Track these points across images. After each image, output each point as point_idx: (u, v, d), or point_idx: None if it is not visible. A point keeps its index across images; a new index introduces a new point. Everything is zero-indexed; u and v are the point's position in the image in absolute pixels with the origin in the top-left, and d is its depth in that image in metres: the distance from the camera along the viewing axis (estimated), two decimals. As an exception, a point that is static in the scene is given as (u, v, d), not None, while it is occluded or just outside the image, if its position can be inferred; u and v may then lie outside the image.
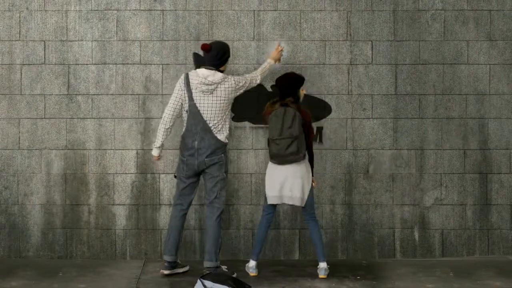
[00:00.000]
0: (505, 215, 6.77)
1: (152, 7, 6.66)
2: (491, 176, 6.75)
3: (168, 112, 6.03)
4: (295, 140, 5.94)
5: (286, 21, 6.68)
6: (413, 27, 6.70)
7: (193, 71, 6.06)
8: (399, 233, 6.74)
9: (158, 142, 6.12)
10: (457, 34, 6.72)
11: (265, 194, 6.15)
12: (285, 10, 6.68)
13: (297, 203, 6.05)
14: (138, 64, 6.66)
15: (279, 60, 6.43)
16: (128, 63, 6.66)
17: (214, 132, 5.96)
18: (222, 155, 6.01)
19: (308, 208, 6.10)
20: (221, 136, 5.99)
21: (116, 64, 6.66)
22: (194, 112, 5.96)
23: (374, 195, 6.72)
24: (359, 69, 6.70)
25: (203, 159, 5.96)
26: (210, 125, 5.95)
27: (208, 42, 6.18)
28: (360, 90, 6.71)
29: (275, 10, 6.68)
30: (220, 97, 5.96)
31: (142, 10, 6.66)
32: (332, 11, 6.68)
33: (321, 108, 6.63)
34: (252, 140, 6.68)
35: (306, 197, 6.05)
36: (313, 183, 6.15)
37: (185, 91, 5.97)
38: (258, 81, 6.26)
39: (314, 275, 6.09)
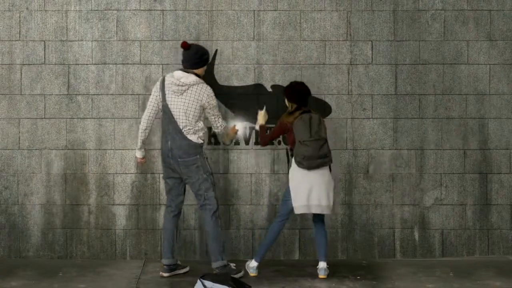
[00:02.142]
0: (505, 215, 6.77)
1: (152, 7, 6.66)
2: (491, 176, 6.75)
3: (145, 114, 6.07)
4: (326, 142, 5.95)
5: (286, 21, 6.68)
6: (413, 27, 6.71)
7: (170, 73, 6.06)
8: (399, 233, 6.74)
9: (137, 143, 6.16)
10: (457, 34, 6.72)
11: (284, 201, 6.08)
12: (285, 10, 6.68)
13: (325, 211, 6.00)
14: (138, 64, 6.66)
15: (231, 139, 6.45)
16: (128, 63, 6.66)
17: (185, 133, 5.94)
18: (197, 156, 5.96)
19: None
20: (193, 137, 5.95)
21: (116, 64, 6.66)
22: (166, 112, 5.97)
23: (374, 195, 6.72)
24: (359, 69, 6.70)
25: (176, 160, 5.96)
26: (181, 126, 5.94)
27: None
28: (360, 90, 6.71)
29: (275, 10, 6.69)
30: (190, 100, 5.92)
31: (142, 10, 6.66)
32: (332, 11, 6.69)
33: (321, 108, 6.63)
34: (252, 140, 6.68)
35: (332, 204, 6.01)
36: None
37: (160, 92, 5.99)
38: (218, 129, 6.16)
39: (314, 275, 6.08)
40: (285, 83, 6.63)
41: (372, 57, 6.70)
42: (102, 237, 6.67)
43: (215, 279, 5.47)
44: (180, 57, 6.61)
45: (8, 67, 6.65)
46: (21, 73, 6.64)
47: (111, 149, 6.66)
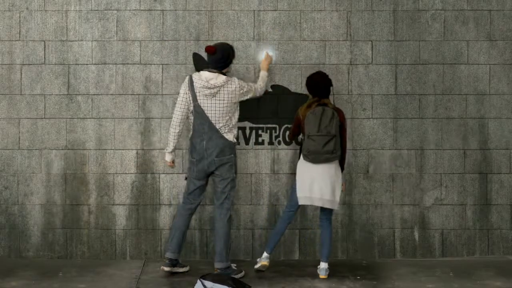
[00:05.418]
0: (505, 215, 6.77)
1: (152, 7, 6.66)
2: (491, 176, 6.75)
3: (176, 116, 6.04)
4: (333, 138, 5.93)
5: (286, 21, 6.68)
6: (413, 27, 6.71)
7: (196, 73, 6.05)
8: (399, 233, 6.74)
9: (170, 147, 6.13)
10: (457, 34, 6.72)
11: (292, 192, 6.17)
12: (285, 10, 6.68)
13: (328, 205, 6.01)
14: (138, 64, 6.67)
15: (268, 68, 6.47)
16: (128, 63, 6.66)
17: (222, 132, 5.97)
18: (232, 155, 6.02)
19: (329, 209, 6.12)
20: (229, 136, 6.00)
21: (116, 64, 6.66)
22: (199, 112, 5.97)
23: (374, 195, 6.72)
24: (359, 69, 6.71)
25: (212, 159, 5.97)
26: (217, 126, 5.96)
27: (211, 44, 6.17)
28: (360, 90, 6.71)
29: (275, 10, 6.69)
30: (223, 100, 5.96)
31: (142, 10, 6.66)
32: (332, 11, 6.69)
33: (321, 108, 6.63)
34: (252, 140, 6.68)
35: (338, 199, 6.03)
36: (342, 186, 6.12)
37: (189, 93, 5.98)
38: (261, 92, 6.29)
39: (314, 275, 6.09)
40: (285, 83, 6.65)
41: (372, 57, 6.70)
42: (102, 237, 6.67)
43: (215, 279, 5.47)
44: (180, 57, 6.64)
45: (8, 67, 6.65)
46: (21, 73, 6.64)
47: (111, 149, 6.66)
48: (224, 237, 6.01)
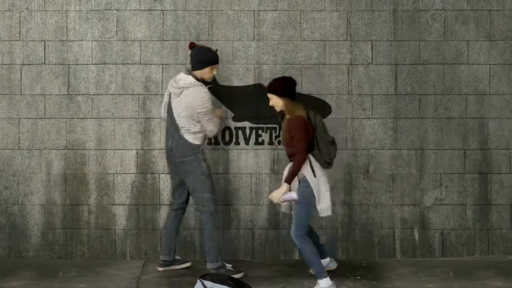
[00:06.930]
0: (505, 215, 6.77)
1: (152, 7, 6.66)
2: (491, 176, 6.75)
3: (162, 113, 6.26)
4: None
5: (286, 21, 6.68)
6: (413, 27, 6.71)
7: (180, 73, 6.13)
8: (399, 233, 6.74)
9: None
10: (457, 34, 6.72)
11: (306, 210, 5.64)
12: (285, 10, 6.68)
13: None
14: (138, 64, 6.67)
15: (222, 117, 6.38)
16: (128, 63, 6.67)
17: (182, 133, 5.96)
18: (193, 157, 5.96)
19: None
20: (189, 137, 5.96)
21: (116, 64, 6.66)
22: (169, 111, 6.04)
23: (374, 195, 6.72)
24: (359, 69, 6.71)
25: (175, 159, 6.03)
26: (179, 126, 5.97)
27: (207, 45, 6.23)
28: (360, 90, 6.71)
29: (275, 10, 6.69)
30: (184, 102, 5.91)
31: (142, 10, 6.66)
32: (332, 11, 6.69)
33: (321, 108, 6.62)
34: (252, 140, 6.68)
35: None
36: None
37: (169, 92, 6.11)
38: (210, 135, 6.06)
39: (314, 275, 6.08)
40: (285, 83, 6.64)
41: (372, 57, 6.70)
42: (102, 237, 6.67)
43: (215, 279, 5.48)
44: (180, 57, 6.65)
45: (8, 67, 6.65)
46: (21, 73, 6.64)
47: (111, 149, 6.66)
48: (208, 239, 6.03)
